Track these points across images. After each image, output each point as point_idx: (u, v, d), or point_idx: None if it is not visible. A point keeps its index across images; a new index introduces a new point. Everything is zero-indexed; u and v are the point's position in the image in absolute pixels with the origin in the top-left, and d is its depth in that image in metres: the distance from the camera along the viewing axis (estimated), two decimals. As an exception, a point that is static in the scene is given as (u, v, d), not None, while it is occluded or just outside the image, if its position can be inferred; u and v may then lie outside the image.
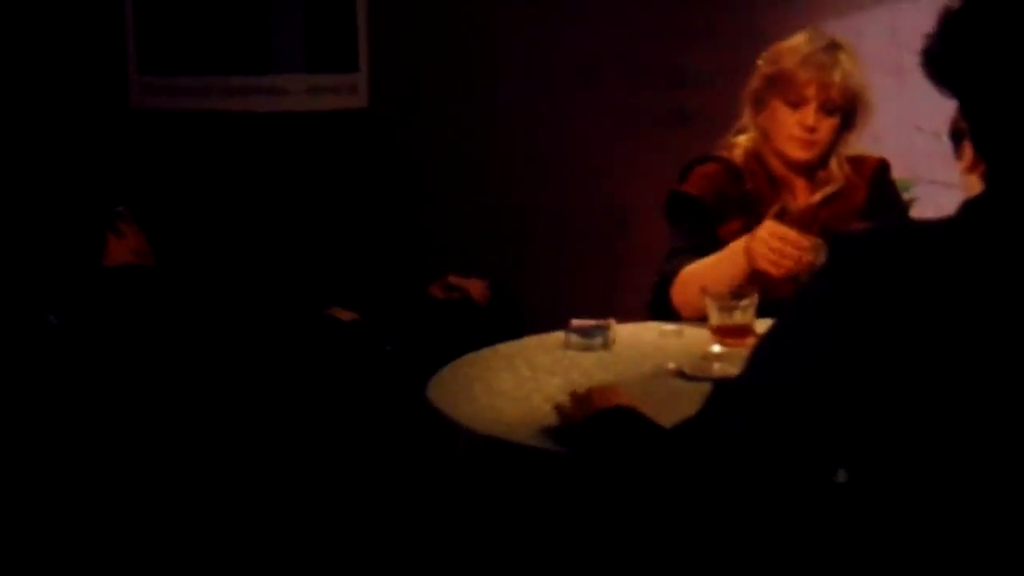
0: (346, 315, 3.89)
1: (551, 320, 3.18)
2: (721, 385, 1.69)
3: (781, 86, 3.22)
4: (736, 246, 3.05)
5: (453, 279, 4.12)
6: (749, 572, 1.70)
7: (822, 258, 2.70)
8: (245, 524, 3.47)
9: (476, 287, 4.10)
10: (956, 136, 1.65)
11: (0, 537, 3.43)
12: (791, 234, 2.98)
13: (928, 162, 4.26)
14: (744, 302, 2.82)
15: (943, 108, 4.23)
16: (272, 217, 4.20)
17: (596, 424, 2.02)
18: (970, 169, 1.63)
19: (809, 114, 3.19)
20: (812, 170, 3.30)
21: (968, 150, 1.64)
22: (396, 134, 4.61)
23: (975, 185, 1.62)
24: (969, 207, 1.57)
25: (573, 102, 4.79)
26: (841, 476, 1.60)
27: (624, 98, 4.71)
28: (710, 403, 1.68)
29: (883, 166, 3.41)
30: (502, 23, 4.81)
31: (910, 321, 1.49)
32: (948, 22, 1.58)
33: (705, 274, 3.05)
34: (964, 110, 1.60)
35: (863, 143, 3.40)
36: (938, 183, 4.22)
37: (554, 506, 2.30)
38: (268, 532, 3.46)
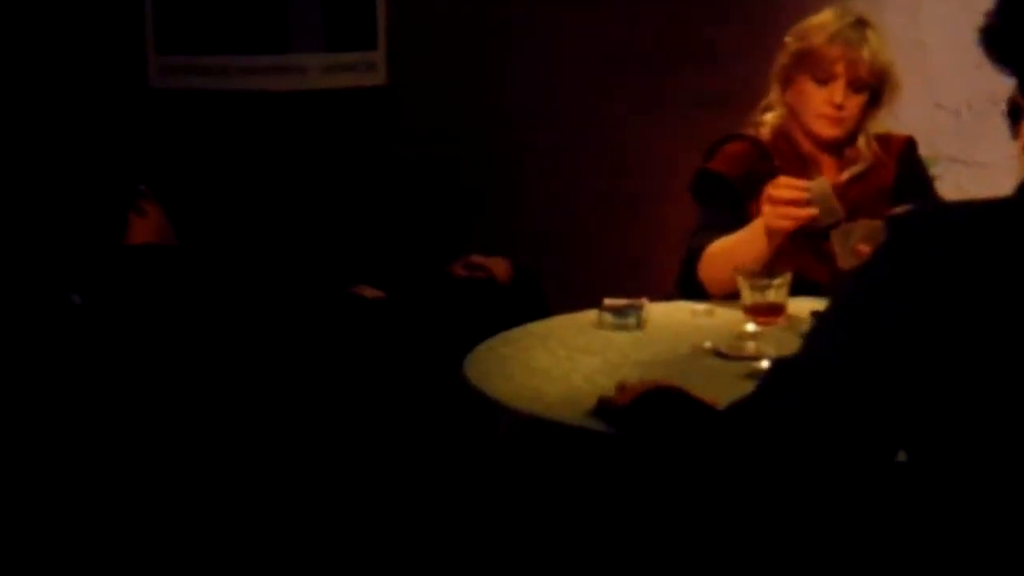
0: (370, 292, 3.89)
1: (573, 300, 3.19)
2: (779, 364, 1.68)
3: (809, 63, 3.21)
4: (757, 223, 3.05)
5: (476, 258, 4.11)
6: (804, 553, 1.70)
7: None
8: (274, 506, 3.48)
9: (499, 266, 4.09)
10: (1014, 114, 1.64)
11: (20, 517, 3.43)
12: (783, 180, 2.99)
13: (948, 140, 4.28)
14: (777, 281, 2.83)
15: (963, 86, 4.27)
16: (292, 196, 4.20)
17: (644, 404, 2.01)
18: (1027, 148, 1.62)
19: (837, 91, 3.20)
20: (840, 148, 3.31)
21: (1024, 129, 1.63)
22: (415, 112, 4.60)
23: (1034, 165, 1.62)
24: None
25: (596, 80, 4.78)
26: (901, 456, 1.61)
27: (648, 77, 4.71)
28: (767, 382, 1.67)
29: (911, 143, 3.42)
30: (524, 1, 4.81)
31: (971, 300, 1.49)
32: None
33: (731, 250, 3.06)
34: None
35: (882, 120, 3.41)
36: (958, 161, 4.24)
37: (599, 486, 2.31)
38: (298, 515, 3.46)
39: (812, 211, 2.95)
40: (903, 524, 1.62)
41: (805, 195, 2.95)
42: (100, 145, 4.19)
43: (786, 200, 2.95)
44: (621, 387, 2.16)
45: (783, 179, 3.01)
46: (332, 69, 4.48)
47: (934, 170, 4.05)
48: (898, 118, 3.65)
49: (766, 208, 2.99)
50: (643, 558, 2.30)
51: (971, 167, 4.28)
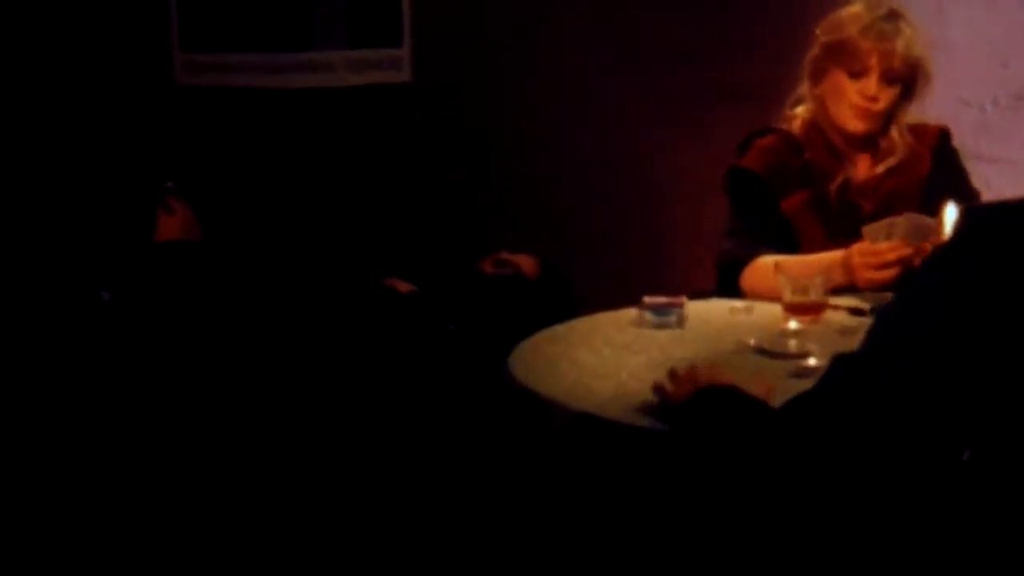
0: (404, 286, 3.89)
1: (600, 295, 3.20)
2: (841, 360, 1.68)
3: (842, 56, 3.21)
4: (829, 258, 3.04)
5: (504, 255, 4.12)
6: (865, 552, 1.70)
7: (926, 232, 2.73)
8: (307, 502, 3.48)
9: (527, 263, 4.10)
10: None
11: (50, 509, 3.44)
12: (882, 247, 2.98)
13: (973, 136, 4.28)
14: (817, 280, 2.84)
15: (988, 83, 4.27)
16: (318, 192, 4.21)
17: (699, 402, 2.02)
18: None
19: (871, 83, 3.19)
20: (873, 141, 3.30)
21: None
22: (440, 108, 4.61)
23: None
24: None
25: (619, 75, 4.78)
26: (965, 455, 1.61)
27: (670, 72, 4.71)
28: (829, 379, 1.68)
29: (945, 134, 3.41)
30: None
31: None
32: None
33: (795, 275, 2.93)
34: None
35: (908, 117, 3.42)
36: (983, 158, 4.24)
37: (652, 484, 2.32)
38: (331, 511, 3.47)
39: (908, 251, 2.95)
40: (967, 523, 1.62)
41: (907, 252, 2.94)
42: (127, 142, 4.20)
43: (894, 262, 2.95)
44: (673, 374, 2.17)
45: (882, 247, 2.98)
46: (357, 66, 4.49)
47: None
48: (924, 114, 3.67)
49: (859, 261, 2.98)
50: (696, 555, 2.31)
51: (996, 163, 4.28)
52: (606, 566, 2.55)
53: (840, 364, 1.68)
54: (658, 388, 2.20)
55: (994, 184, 4.16)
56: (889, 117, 3.27)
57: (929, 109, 3.82)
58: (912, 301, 1.64)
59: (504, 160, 4.81)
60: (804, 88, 3.34)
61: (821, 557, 1.77)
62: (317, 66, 4.45)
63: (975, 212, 1.62)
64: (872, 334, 1.67)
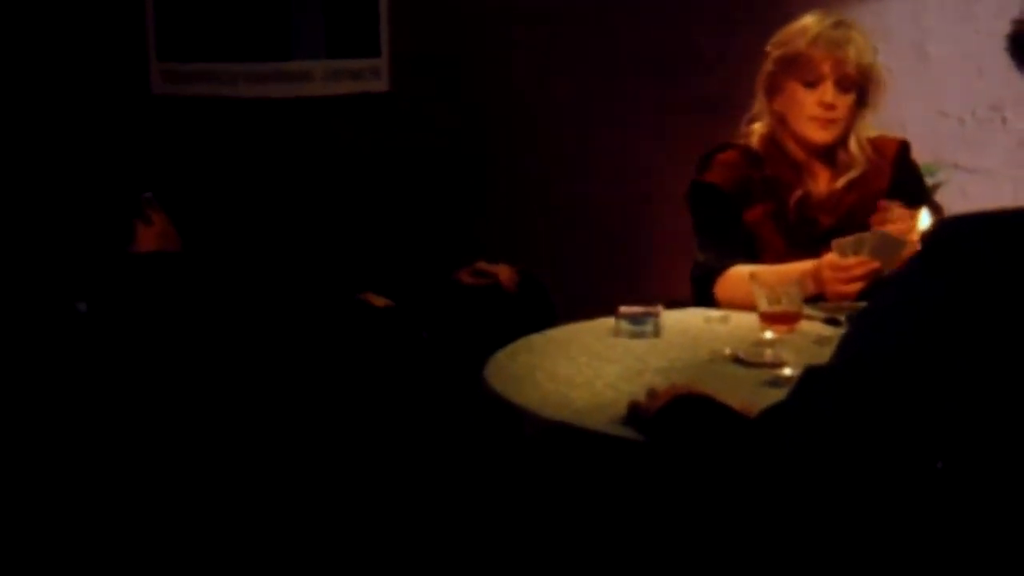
0: (379, 301, 3.89)
1: (579, 305, 3.20)
2: (813, 371, 1.68)
3: (796, 67, 3.24)
4: (802, 268, 3.04)
5: (482, 265, 4.12)
6: (838, 562, 1.70)
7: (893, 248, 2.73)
8: (282, 514, 3.47)
9: (504, 272, 4.09)
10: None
11: (24, 521, 3.42)
12: (850, 262, 2.99)
13: (952, 147, 4.30)
14: (792, 289, 2.84)
15: (966, 94, 4.28)
16: (297, 202, 4.20)
17: (675, 411, 2.01)
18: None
19: (827, 91, 3.22)
20: (832, 154, 3.32)
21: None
22: (418, 118, 4.61)
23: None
24: None
25: (598, 87, 4.79)
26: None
27: (649, 84, 4.72)
28: (801, 389, 1.67)
29: (904, 147, 3.42)
30: (526, 7, 4.81)
31: (1009, 304, 1.50)
32: None
33: (769, 285, 2.88)
34: None
35: (887, 128, 3.42)
36: (962, 168, 4.26)
37: (628, 493, 2.31)
38: (307, 522, 3.46)
39: (875, 265, 2.96)
40: (940, 532, 1.61)
41: (874, 267, 2.96)
42: (104, 153, 4.18)
43: (860, 277, 2.96)
44: (652, 392, 2.16)
45: (853, 260, 2.99)
46: (335, 76, 4.48)
47: (937, 177, 4.08)
48: (903, 126, 3.68)
49: (829, 275, 2.99)
50: (671, 565, 2.30)
51: (975, 174, 4.29)
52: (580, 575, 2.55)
53: (811, 377, 1.67)
54: (635, 405, 2.19)
55: (972, 194, 4.17)
56: (848, 129, 3.27)
57: (908, 120, 3.85)
58: (880, 313, 1.64)
59: (481, 170, 4.81)
60: (759, 105, 3.35)
61: (796, 567, 1.76)
62: (295, 76, 4.44)
63: (943, 223, 1.62)
64: (842, 346, 1.67)
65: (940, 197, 3.98)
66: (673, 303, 3.20)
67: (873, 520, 1.63)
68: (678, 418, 1.99)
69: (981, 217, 1.62)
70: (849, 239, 3.03)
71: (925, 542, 1.64)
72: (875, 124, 3.36)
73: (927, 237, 1.63)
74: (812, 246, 3.15)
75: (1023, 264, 1.52)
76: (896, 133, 3.48)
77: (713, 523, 2.00)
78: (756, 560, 1.87)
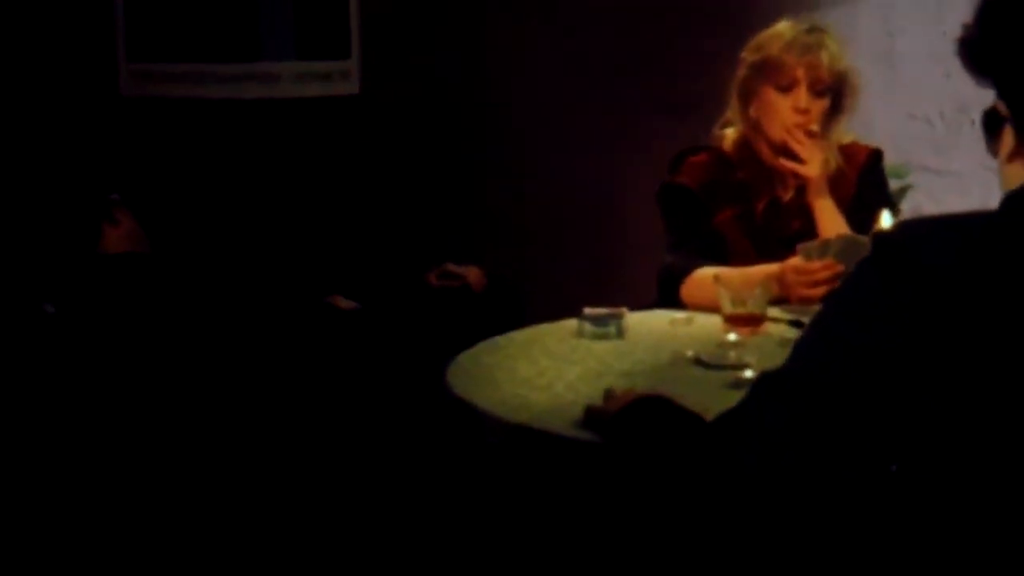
0: (345, 304, 3.88)
1: (549, 309, 3.20)
2: (765, 376, 1.68)
3: (770, 72, 3.24)
4: (767, 270, 3.05)
5: (450, 267, 4.11)
6: (792, 564, 1.70)
7: (859, 252, 2.74)
8: (247, 517, 3.46)
9: (473, 274, 4.10)
10: (992, 126, 1.65)
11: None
12: (814, 266, 3.00)
13: (922, 150, 4.30)
14: (757, 292, 2.84)
15: (935, 96, 4.29)
16: (265, 204, 4.19)
17: (632, 413, 2.00)
18: (1010, 158, 1.63)
19: (801, 96, 3.22)
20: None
21: (1008, 139, 1.64)
22: (387, 121, 4.60)
23: (1014, 176, 1.62)
24: (1013, 198, 1.57)
25: (568, 91, 4.79)
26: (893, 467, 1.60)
27: (619, 85, 4.72)
28: (754, 394, 1.67)
29: (875, 156, 3.42)
30: (495, 10, 4.81)
31: (956, 311, 1.49)
32: (988, 7, 1.59)
33: (734, 287, 2.88)
34: (1007, 97, 1.61)
35: (855, 130, 3.43)
36: (930, 170, 4.26)
37: (586, 495, 2.30)
38: (270, 528, 3.45)
39: (840, 269, 2.96)
40: (894, 535, 1.61)
41: (838, 270, 2.96)
42: (72, 154, 4.17)
43: (824, 280, 2.96)
44: (609, 395, 2.16)
45: (817, 264, 3.00)
46: (305, 78, 4.47)
47: (907, 179, 4.08)
48: (871, 128, 3.67)
49: (793, 279, 3.00)
50: (628, 567, 2.30)
51: (944, 176, 4.30)
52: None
53: (764, 381, 1.67)
54: (591, 409, 2.19)
55: (940, 196, 4.18)
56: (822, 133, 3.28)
57: (877, 123, 3.85)
58: (830, 318, 1.64)
59: (451, 172, 4.80)
60: (733, 110, 3.35)
61: (752, 571, 1.76)
62: (264, 77, 4.43)
63: (886, 231, 1.62)
64: (794, 350, 1.67)
65: (909, 199, 4.00)
66: (645, 306, 3.21)
67: (827, 523, 1.63)
68: (635, 421, 1.98)
69: (929, 221, 1.62)
70: (814, 243, 3.04)
71: (879, 544, 1.64)
72: (844, 127, 3.36)
73: (876, 242, 1.63)
74: (780, 250, 3.15)
75: (970, 268, 1.52)
76: (865, 135, 3.48)
77: (669, 526, 1.99)
78: (713, 564, 1.87)
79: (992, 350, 1.49)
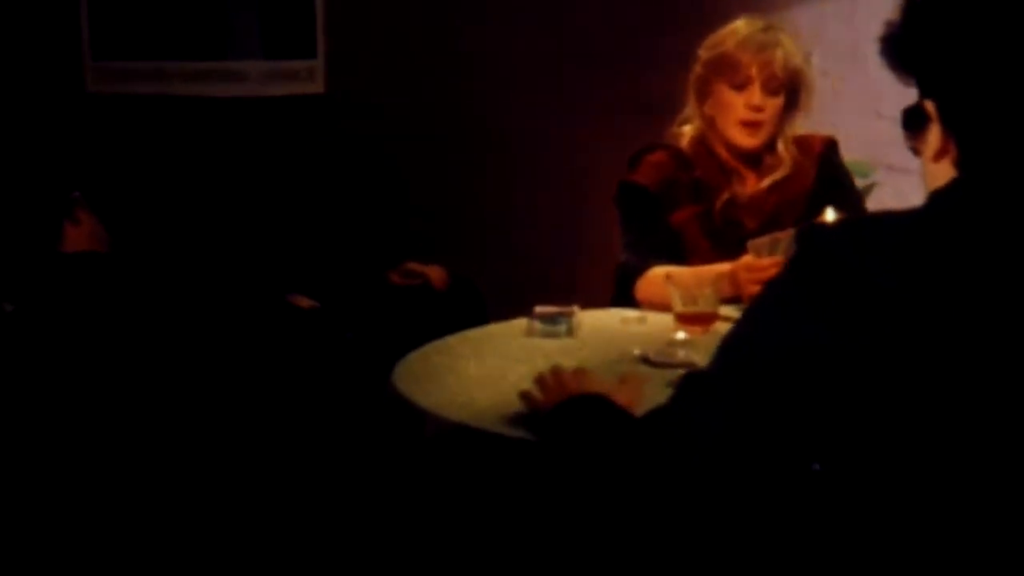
0: (305, 302, 3.88)
1: (512, 307, 3.18)
2: (692, 375, 1.67)
3: (724, 69, 3.25)
4: (719, 269, 3.03)
5: (412, 265, 4.11)
6: (722, 564, 1.69)
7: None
8: (204, 514, 3.45)
9: (435, 273, 4.10)
10: (915, 124, 1.64)
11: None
12: (765, 263, 2.99)
13: (889, 149, 4.27)
14: (707, 291, 2.82)
15: (903, 94, 4.26)
16: (229, 203, 4.18)
17: (564, 412, 2.00)
18: (936, 157, 1.61)
19: (755, 94, 3.23)
20: (759, 157, 3.33)
21: (933, 138, 1.63)
22: (353, 120, 4.59)
23: (939, 174, 1.61)
24: (939, 196, 1.56)
25: (534, 90, 4.78)
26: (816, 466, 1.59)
27: (583, 83, 4.71)
28: (681, 393, 1.66)
29: (831, 145, 3.43)
30: (461, 9, 4.80)
31: (882, 310, 1.48)
32: (913, 5, 1.58)
33: (686, 286, 2.88)
34: (935, 96, 1.59)
35: (821, 129, 3.41)
36: (897, 169, 4.25)
37: (524, 494, 2.29)
38: (228, 523, 3.44)
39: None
40: (817, 533, 1.60)
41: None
42: (35, 151, 4.16)
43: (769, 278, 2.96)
44: (539, 380, 2.15)
45: (768, 261, 2.99)
46: (271, 76, 4.47)
47: (872, 177, 4.07)
48: (837, 127, 3.66)
49: (744, 276, 3.00)
50: (561, 564, 2.28)
51: (911, 175, 4.26)
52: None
53: (690, 380, 1.67)
54: (526, 396, 2.17)
55: (906, 195, 4.15)
56: (776, 132, 3.28)
57: (844, 123, 3.83)
58: (753, 316, 1.64)
59: (416, 172, 4.79)
60: (690, 107, 3.35)
61: (682, 570, 1.75)
62: (231, 75, 4.43)
63: (809, 230, 1.61)
64: (719, 349, 1.66)
65: (875, 198, 3.98)
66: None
67: (752, 522, 1.62)
68: (567, 419, 1.97)
69: (856, 219, 1.61)
70: (764, 239, 3.03)
71: (804, 544, 1.63)
72: (809, 126, 3.37)
73: (798, 242, 1.61)
74: (738, 248, 3.14)
75: (897, 266, 1.50)
76: (832, 134, 3.46)
77: (600, 524, 1.98)
78: (642, 562, 1.85)
79: (917, 349, 1.48)
